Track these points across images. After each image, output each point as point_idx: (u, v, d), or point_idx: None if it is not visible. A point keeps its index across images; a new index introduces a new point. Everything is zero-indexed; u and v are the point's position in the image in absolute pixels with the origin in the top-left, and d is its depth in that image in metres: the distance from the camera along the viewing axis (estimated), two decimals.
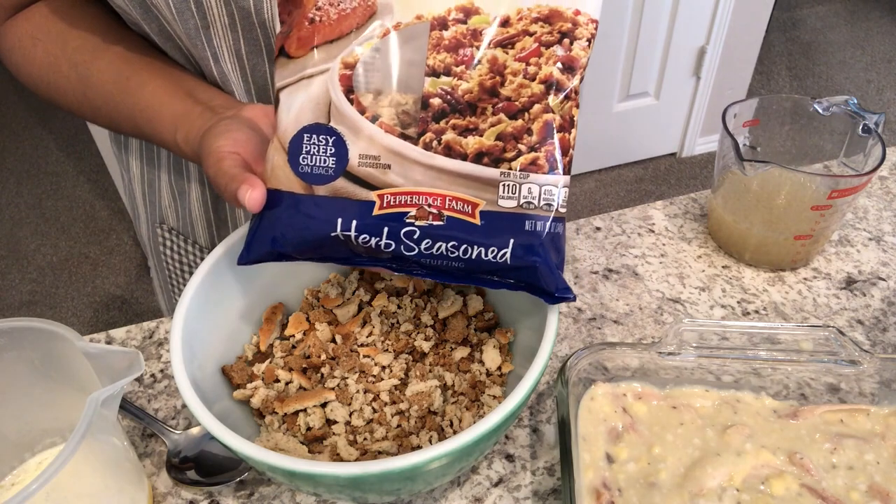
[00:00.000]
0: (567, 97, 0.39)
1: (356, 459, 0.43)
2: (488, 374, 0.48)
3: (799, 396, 0.49)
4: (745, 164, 0.56)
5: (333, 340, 0.51)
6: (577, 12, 0.39)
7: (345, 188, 0.38)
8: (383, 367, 0.48)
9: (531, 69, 0.38)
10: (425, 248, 0.39)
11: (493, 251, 0.38)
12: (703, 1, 1.94)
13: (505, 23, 0.38)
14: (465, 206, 0.38)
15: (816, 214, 0.58)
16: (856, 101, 0.61)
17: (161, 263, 0.74)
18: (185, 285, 0.72)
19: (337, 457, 0.44)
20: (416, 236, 0.38)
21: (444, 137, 0.38)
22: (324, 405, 0.46)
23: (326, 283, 0.54)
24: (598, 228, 0.70)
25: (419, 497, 0.47)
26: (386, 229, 0.38)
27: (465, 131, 0.38)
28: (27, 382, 0.45)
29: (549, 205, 0.38)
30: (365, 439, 0.45)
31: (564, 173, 0.39)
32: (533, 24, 0.38)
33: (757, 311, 0.61)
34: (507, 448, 0.50)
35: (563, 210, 0.39)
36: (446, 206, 0.38)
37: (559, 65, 0.38)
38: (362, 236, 0.38)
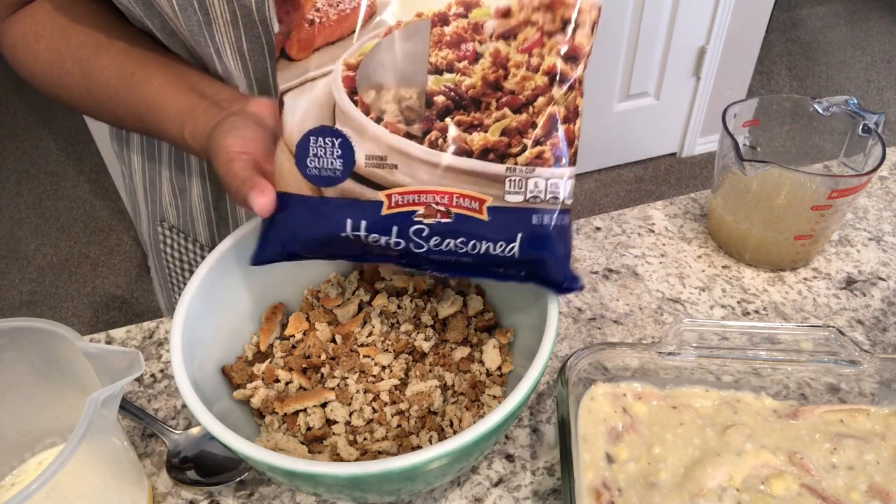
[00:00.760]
0: (571, 87, 0.38)
1: (356, 459, 0.43)
2: (488, 374, 0.48)
3: (799, 396, 0.49)
4: (745, 164, 0.56)
5: (333, 340, 0.51)
6: None
7: (353, 189, 0.39)
8: (383, 367, 0.48)
9: (534, 60, 0.38)
10: (434, 245, 0.39)
11: (501, 246, 0.39)
12: (703, 1, 1.94)
13: (506, 14, 0.38)
14: (472, 202, 0.38)
15: (816, 214, 0.58)
16: (856, 101, 0.61)
17: (161, 262, 0.74)
18: (184, 284, 0.72)
19: (337, 457, 0.44)
20: (424, 234, 0.39)
21: (450, 135, 0.38)
22: (324, 405, 0.46)
23: (326, 283, 0.54)
24: (598, 228, 0.70)
25: (419, 497, 0.47)
26: (395, 228, 0.39)
27: (469, 128, 0.38)
28: (27, 382, 0.45)
29: (556, 198, 0.39)
30: (365, 439, 0.45)
31: (570, 164, 0.39)
32: (534, 12, 0.38)
33: (757, 311, 0.61)
34: (507, 448, 0.50)
35: (569, 202, 0.39)
36: (454, 204, 0.38)
37: (562, 55, 0.38)
38: (372, 235, 0.39)
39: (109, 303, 1.92)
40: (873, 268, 0.64)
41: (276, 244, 0.40)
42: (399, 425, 0.46)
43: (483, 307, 0.52)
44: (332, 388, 0.47)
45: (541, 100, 0.38)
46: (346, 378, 0.47)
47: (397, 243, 0.39)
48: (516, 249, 0.39)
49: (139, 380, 0.56)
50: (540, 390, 0.54)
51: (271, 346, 0.50)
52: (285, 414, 0.46)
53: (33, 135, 2.56)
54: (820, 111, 0.63)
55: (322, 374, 0.48)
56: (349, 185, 0.38)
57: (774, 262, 0.64)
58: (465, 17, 0.38)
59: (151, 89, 0.51)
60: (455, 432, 0.45)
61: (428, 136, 0.38)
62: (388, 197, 0.38)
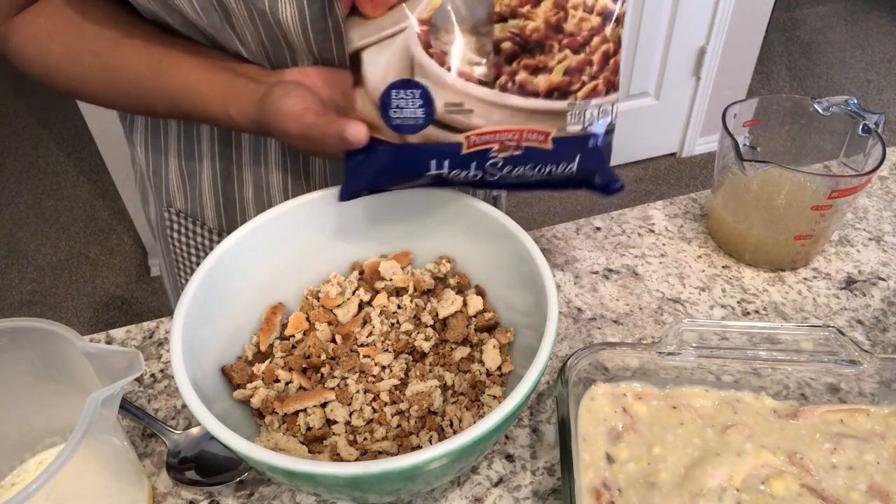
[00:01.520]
0: (617, 21, 0.42)
1: (356, 459, 0.43)
2: (488, 374, 0.48)
3: (799, 396, 0.49)
4: (745, 164, 0.56)
5: (333, 340, 0.51)
6: None
7: (434, 134, 0.43)
8: (383, 367, 0.48)
9: (589, 1, 0.41)
10: (507, 173, 0.45)
11: (562, 166, 0.45)
12: (703, 1, 1.94)
13: None
14: (539, 136, 0.43)
15: (816, 214, 0.58)
16: (856, 101, 0.61)
17: (168, 247, 0.74)
18: (192, 268, 0.72)
19: (337, 457, 0.44)
20: (499, 165, 0.44)
21: (518, 78, 0.42)
22: (324, 405, 0.46)
23: (326, 283, 0.54)
24: (598, 228, 0.70)
25: (419, 497, 0.47)
26: (474, 164, 0.44)
27: (535, 70, 0.42)
28: (27, 382, 0.45)
29: (607, 120, 0.44)
30: (365, 439, 0.45)
31: (616, 90, 0.44)
32: None
33: (757, 311, 0.61)
34: (507, 448, 0.50)
35: (615, 121, 0.45)
36: (524, 139, 0.43)
37: None
38: (454, 171, 0.44)
39: (109, 303, 1.92)
40: (873, 268, 0.64)
41: (361, 184, 0.46)
42: (399, 425, 0.46)
43: (483, 307, 0.52)
44: (332, 388, 0.47)
45: (596, 39, 0.42)
46: (346, 378, 0.47)
47: (475, 175, 0.45)
48: (575, 168, 0.45)
49: (139, 380, 0.56)
50: (540, 390, 0.54)
51: (271, 346, 0.50)
52: (285, 414, 0.46)
53: (33, 135, 2.56)
54: (820, 111, 0.63)
55: (322, 374, 0.48)
56: (430, 131, 0.42)
57: (774, 262, 0.64)
58: None
59: (182, 73, 0.52)
60: (455, 432, 0.45)
61: (498, 81, 0.42)
62: (467, 139, 0.43)
